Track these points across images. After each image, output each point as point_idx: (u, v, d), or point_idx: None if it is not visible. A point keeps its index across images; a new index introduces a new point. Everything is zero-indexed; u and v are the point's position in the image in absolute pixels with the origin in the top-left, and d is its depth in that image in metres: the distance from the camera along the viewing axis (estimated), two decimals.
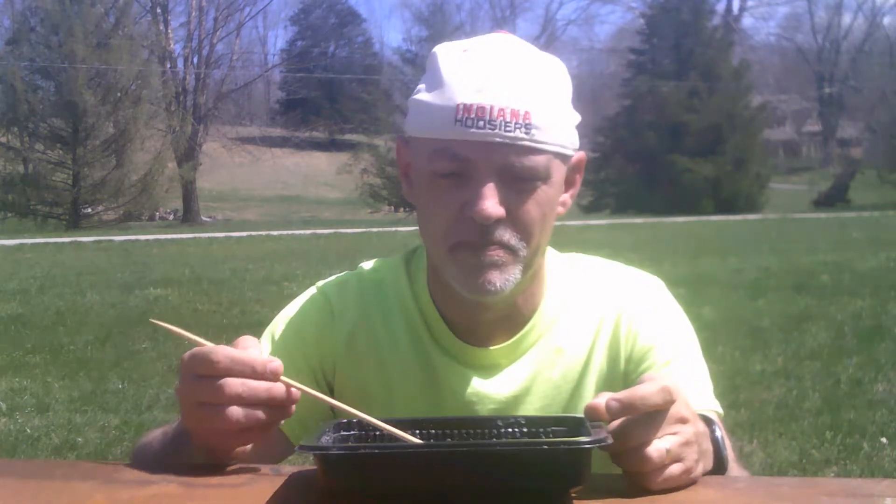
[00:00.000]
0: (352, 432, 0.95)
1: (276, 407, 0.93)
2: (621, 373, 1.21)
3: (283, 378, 0.93)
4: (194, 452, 1.00)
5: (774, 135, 53.19)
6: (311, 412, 1.19)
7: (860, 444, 4.19)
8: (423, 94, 1.11)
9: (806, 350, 6.43)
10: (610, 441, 0.82)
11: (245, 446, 0.99)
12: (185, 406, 0.95)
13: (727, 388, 5.15)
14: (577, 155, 1.17)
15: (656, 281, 1.29)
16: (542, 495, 0.84)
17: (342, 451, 0.86)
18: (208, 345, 0.94)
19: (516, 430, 0.96)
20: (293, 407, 0.95)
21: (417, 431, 0.94)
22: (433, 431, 0.96)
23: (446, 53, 1.12)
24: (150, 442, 1.14)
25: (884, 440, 4.24)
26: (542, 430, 0.95)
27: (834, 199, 38.82)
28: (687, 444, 0.89)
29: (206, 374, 0.92)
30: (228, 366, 0.91)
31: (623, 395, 0.87)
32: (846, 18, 60.89)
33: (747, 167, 38.59)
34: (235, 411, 0.91)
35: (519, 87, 1.07)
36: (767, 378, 5.63)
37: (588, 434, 0.84)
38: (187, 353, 0.94)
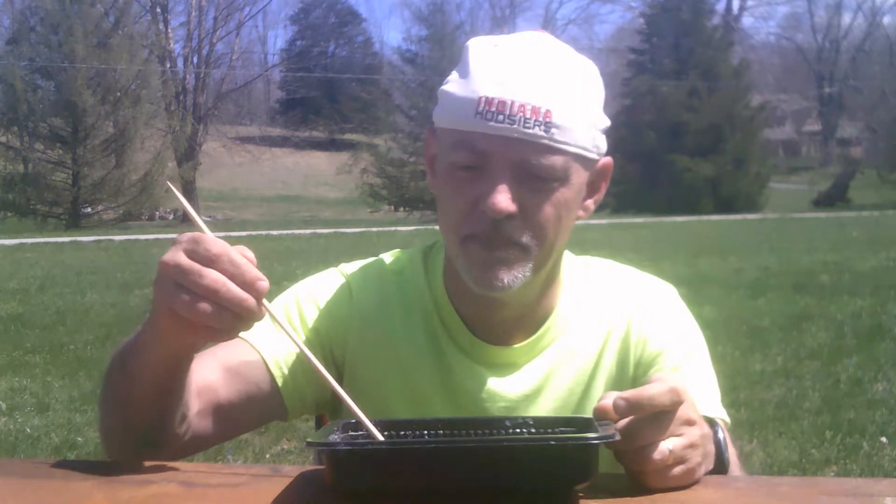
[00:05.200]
0: (360, 431, 0.95)
1: (242, 318, 0.90)
2: (630, 377, 1.21)
3: (264, 301, 0.91)
4: (151, 342, 0.97)
5: (774, 134, 53.19)
6: (311, 385, 1.20)
7: (860, 444, 4.19)
8: (450, 85, 1.11)
9: (806, 350, 6.43)
10: (617, 437, 0.83)
11: (195, 345, 0.95)
12: (162, 280, 0.90)
13: (727, 388, 5.11)
14: (604, 160, 1.15)
15: (669, 287, 1.29)
16: (549, 492, 0.84)
17: (350, 447, 0.86)
18: (212, 235, 0.91)
19: (524, 430, 0.96)
20: (253, 324, 0.92)
21: (426, 432, 0.95)
22: (441, 432, 0.96)
23: (478, 46, 1.12)
24: (124, 340, 1.09)
25: (883, 440, 4.24)
26: (550, 430, 0.96)
27: (834, 198, 38.79)
28: (692, 446, 0.89)
29: (198, 259, 0.89)
30: (223, 265, 0.88)
31: (630, 394, 0.87)
32: (846, 18, 61.12)
33: (747, 167, 38.57)
34: (204, 305, 0.87)
35: (543, 84, 1.06)
36: (767, 378, 5.63)
37: (596, 433, 0.85)
38: (189, 234, 0.91)
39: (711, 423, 0.98)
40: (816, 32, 58.64)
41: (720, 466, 0.96)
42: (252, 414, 1.19)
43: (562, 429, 0.95)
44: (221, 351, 1.15)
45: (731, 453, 1.02)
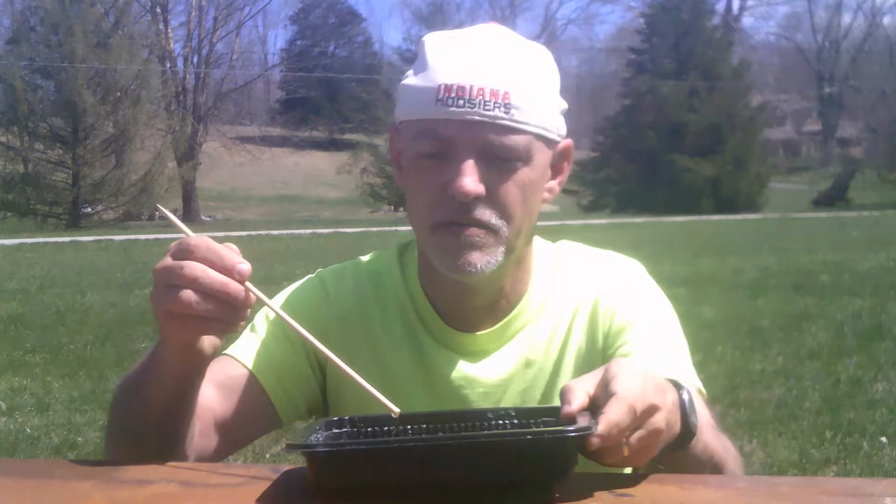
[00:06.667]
0: (344, 430, 0.96)
1: (231, 306, 0.92)
2: (600, 350, 1.23)
3: (247, 284, 0.93)
4: (162, 354, 1.00)
5: (774, 134, 53.20)
6: (301, 390, 1.24)
7: (860, 444, 4.18)
8: (409, 79, 1.14)
9: (806, 350, 6.43)
10: (595, 429, 0.81)
11: (201, 345, 0.97)
12: (154, 287, 0.94)
13: (727, 388, 5.15)
14: (564, 142, 1.18)
15: (634, 263, 1.31)
16: (529, 486, 0.84)
17: (329, 449, 0.87)
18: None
19: (506, 421, 0.97)
20: (247, 312, 0.94)
21: (408, 427, 0.96)
22: (423, 426, 0.97)
23: (433, 40, 1.15)
24: (133, 366, 1.12)
25: (883, 440, 4.24)
26: (532, 420, 0.96)
27: (834, 198, 38.84)
28: (656, 432, 0.88)
29: (179, 256, 0.92)
30: (202, 253, 0.92)
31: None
32: (846, 18, 61.00)
33: (747, 167, 38.61)
34: (188, 294, 0.90)
35: (499, 68, 1.09)
36: (767, 378, 5.62)
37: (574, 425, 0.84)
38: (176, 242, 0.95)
39: (677, 386, 0.96)
40: (816, 32, 58.67)
41: (686, 430, 0.94)
42: (248, 427, 1.22)
43: (544, 419, 0.95)
44: (211, 371, 1.15)
45: (701, 415, 1.00)
